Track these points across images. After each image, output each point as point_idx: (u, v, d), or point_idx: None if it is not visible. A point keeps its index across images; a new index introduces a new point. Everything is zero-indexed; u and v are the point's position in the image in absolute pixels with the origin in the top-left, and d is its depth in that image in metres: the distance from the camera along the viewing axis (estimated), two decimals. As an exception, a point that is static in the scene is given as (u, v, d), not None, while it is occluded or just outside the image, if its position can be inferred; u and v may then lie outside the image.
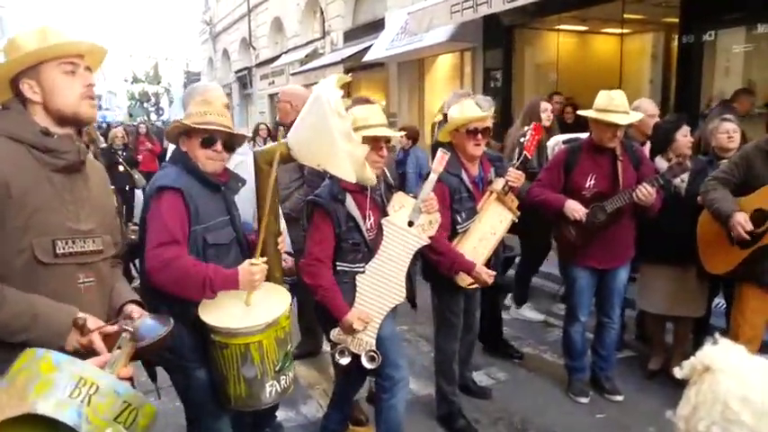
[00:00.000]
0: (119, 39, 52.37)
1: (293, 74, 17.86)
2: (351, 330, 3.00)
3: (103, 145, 9.99)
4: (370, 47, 14.13)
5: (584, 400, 4.21)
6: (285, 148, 2.71)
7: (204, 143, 2.60)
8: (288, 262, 3.44)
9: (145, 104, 41.67)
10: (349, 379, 3.49)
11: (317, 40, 18.23)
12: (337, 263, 3.05)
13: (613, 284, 4.09)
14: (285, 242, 2.92)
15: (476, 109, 3.62)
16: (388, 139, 3.14)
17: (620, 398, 4.21)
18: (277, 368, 2.49)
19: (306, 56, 18.00)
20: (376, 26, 14.83)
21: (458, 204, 3.59)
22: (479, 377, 4.60)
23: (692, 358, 2.39)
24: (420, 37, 11.96)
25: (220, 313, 2.47)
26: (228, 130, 2.63)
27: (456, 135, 3.64)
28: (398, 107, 14.83)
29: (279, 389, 2.52)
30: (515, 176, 3.70)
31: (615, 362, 4.44)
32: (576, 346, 4.25)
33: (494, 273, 3.59)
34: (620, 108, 3.73)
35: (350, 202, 3.01)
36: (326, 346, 4.58)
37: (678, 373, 2.46)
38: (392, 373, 3.18)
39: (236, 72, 26.34)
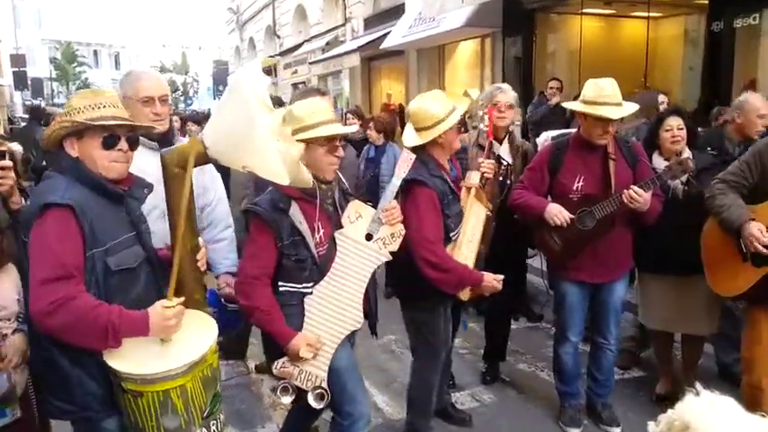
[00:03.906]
0: (151, 29, 52.83)
1: (312, 62, 17.54)
2: (297, 359, 2.58)
3: None
4: (388, 34, 13.70)
5: (574, 430, 3.71)
6: (201, 146, 2.26)
7: (106, 143, 2.15)
8: (230, 285, 3.05)
9: (173, 94, 41.99)
10: (298, 415, 3.08)
11: (338, 28, 17.85)
12: (280, 282, 2.62)
13: (608, 301, 3.58)
14: (205, 258, 2.52)
15: (449, 101, 3.20)
16: (343, 137, 2.71)
17: (616, 429, 3.70)
18: (205, 413, 2.11)
19: (327, 44, 17.66)
20: (396, 12, 14.42)
21: (447, 209, 3.13)
22: (463, 399, 4.17)
23: (669, 412, 1.91)
24: (437, 23, 11.56)
25: (131, 354, 2.05)
26: (133, 123, 2.23)
27: (446, 134, 3.12)
28: (418, 96, 14.38)
29: None
30: (490, 166, 3.38)
31: (615, 385, 3.92)
32: (567, 368, 3.76)
33: (501, 276, 3.14)
34: (610, 99, 3.20)
35: (295, 211, 2.58)
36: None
37: (652, 428, 1.97)
38: (351, 410, 2.76)
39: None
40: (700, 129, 5.15)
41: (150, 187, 2.37)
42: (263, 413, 4.06)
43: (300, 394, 2.67)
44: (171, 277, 2.12)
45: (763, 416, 1.91)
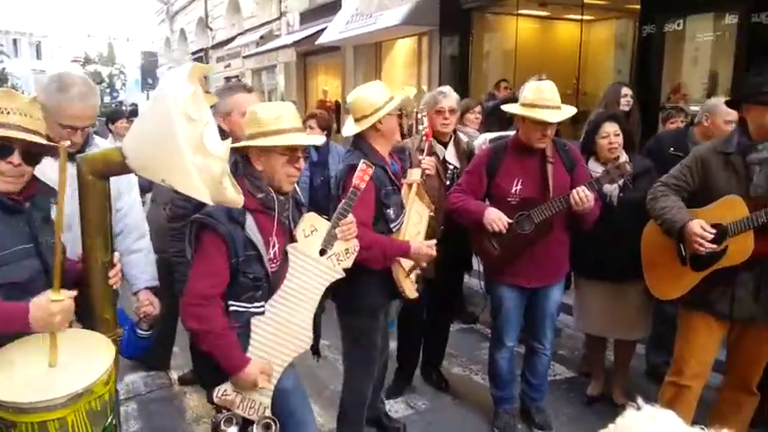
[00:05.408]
0: (76, 17, 50.49)
1: (245, 56, 17.14)
2: (251, 387, 2.36)
3: None
4: (324, 29, 13.49)
5: (509, 436, 3.66)
6: (118, 155, 2.07)
7: None
8: (153, 306, 2.83)
9: (98, 86, 40.22)
10: None
11: (273, 21, 17.47)
12: (230, 302, 2.36)
13: (545, 306, 3.54)
14: (119, 275, 2.27)
15: (388, 91, 3.10)
16: (305, 148, 2.51)
17: (550, 434, 3.67)
18: None
19: (261, 37, 17.28)
20: (333, 7, 14.21)
21: (386, 199, 3.03)
22: (396, 407, 4.05)
23: (610, 426, 1.82)
24: (374, 19, 11.45)
25: (8, 378, 1.83)
26: (29, 138, 1.98)
27: (387, 120, 3.05)
28: (354, 94, 14.23)
29: None
30: (430, 164, 3.36)
31: (548, 387, 3.90)
32: (502, 373, 3.70)
33: (434, 242, 3.05)
34: (550, 102, 3.14)
35: (251, 224, 2.34)
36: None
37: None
38: None
39: (193, 54, 25.34)
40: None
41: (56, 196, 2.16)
42: (186, 428, 3.82)
43: (246, 423, 2.44)
44: (55, 268, 1.91)
45: (702, 429, 1.87)
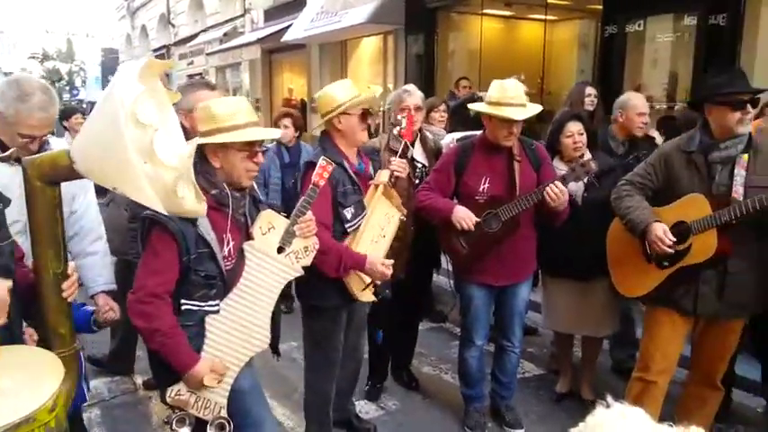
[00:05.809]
0: (33, 13, 48.96)
1: (209, 53, 16.90)
2: (200, 386, 2.30)
3: None
4: (290, 26, 13.38)
5: (479, 434, 3.66)
6: (66, 158, 1.90)
7: None
8: (114, 310, 2.74)
9: (57, 84, 39.01)
10: None
11: (237, 18, 17.27)
12: (182, 300, 2.30)
13: (513, 303, 3.56)
14: (75, 287, 2.16)
15: (356, 89, 3.09)
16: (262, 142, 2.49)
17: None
18: None
19: (225, 34, 17.07)
20: (298, 5, 14.07)
21: (342, 198, 2.99)
22: (367, 407, 4.02)
23: (580, 425, 1.83)
24: (339, 17, 11.40)
25: None
26: None
27: (346, 119, 3.03)
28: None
29: None
30: (401, 166, 3.27)
31: (518, 386, 3.92)
32: (472, 371, 3.71)
33: (391, 261, 3.02)
34: (514, 100, 3.17)
35: (203, 221, 2.28)
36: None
37: (563, 442, 1.93)
38: None
39: (155, 51, 24.86)
40: None
41: (6, 202, 2.05)
42: (151, 434, 3.73)
43: (199, 423, 2.38)
44: None
45: (670, 425, 1.89)
